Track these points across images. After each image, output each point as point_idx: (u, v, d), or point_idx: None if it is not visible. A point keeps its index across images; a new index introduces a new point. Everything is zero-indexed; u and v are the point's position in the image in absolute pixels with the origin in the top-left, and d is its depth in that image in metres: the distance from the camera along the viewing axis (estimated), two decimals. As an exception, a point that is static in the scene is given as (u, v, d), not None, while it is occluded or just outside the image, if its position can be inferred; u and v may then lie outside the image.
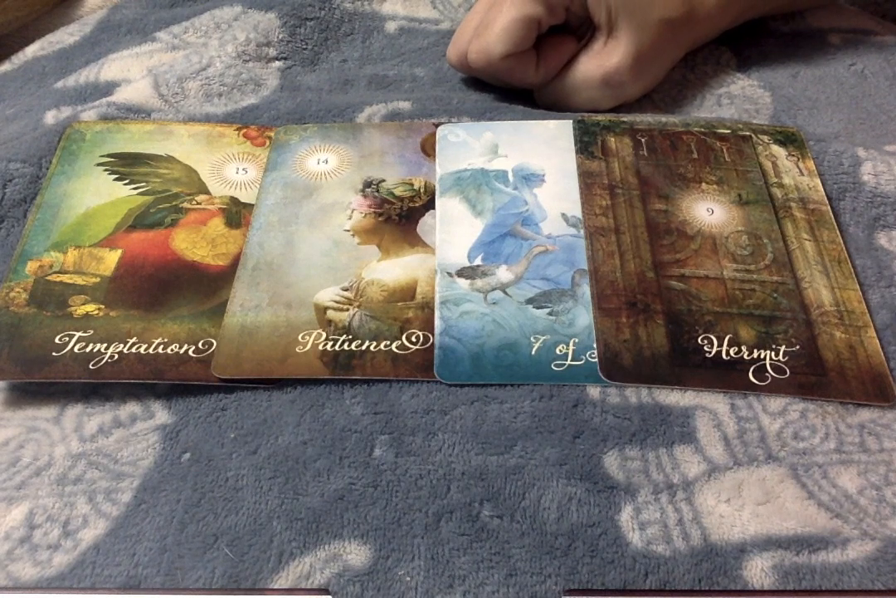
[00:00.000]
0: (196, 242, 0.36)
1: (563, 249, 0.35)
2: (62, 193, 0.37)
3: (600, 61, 0.41)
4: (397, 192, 0.38)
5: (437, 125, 0.40)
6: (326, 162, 0.39)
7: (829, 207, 0.36)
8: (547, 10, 0.40)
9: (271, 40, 0.46)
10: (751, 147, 0.39)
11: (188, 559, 0.27)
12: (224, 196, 0.38)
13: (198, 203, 0.37)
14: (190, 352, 0.32)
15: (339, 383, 0.31)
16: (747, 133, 0.40)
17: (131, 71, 0.45)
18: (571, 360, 0.31)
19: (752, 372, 0.31)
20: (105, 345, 0.31)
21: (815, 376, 0.31)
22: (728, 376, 0.31)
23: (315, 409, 0.30)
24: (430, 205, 0.37)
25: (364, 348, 0.32)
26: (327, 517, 0.27)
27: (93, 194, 0.37)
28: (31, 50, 0.48)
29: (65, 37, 0.49)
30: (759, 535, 0.27)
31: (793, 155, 0.39)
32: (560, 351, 0.31)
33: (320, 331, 0.32)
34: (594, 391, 0.31)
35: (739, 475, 0.29)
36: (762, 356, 0.31)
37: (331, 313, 0.33)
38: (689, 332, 0.32)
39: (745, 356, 0.31)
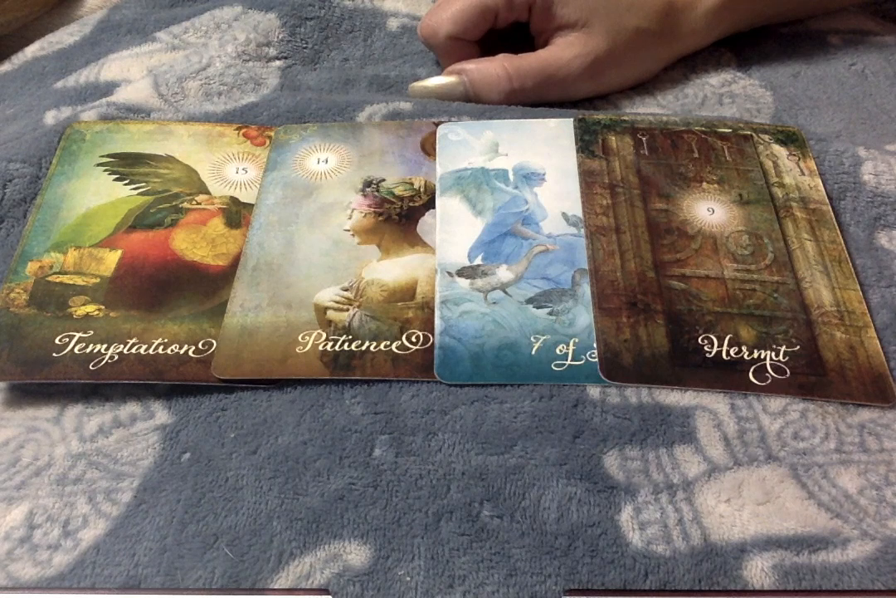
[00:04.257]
0: (196, 243, 0.36)
1: (563, 248, 0.35)
2: (62, 194, 0.37)
3: (557, 53, 0.41)
4: (397, 191, 0.38)
5: (437, 124, 0.40)
6: (326, 161, 0.39)
7: (829, 206, 0.36)
8: (506, 2, 0.41)
9: (271, 40, 0.46)
10: (752, 146, 0.39)
11: (188, 559, 0.27)
12: (224, 196, 0.38)
13: (198, 203, 0.37)
14: (190, 352, 0.32)
15: (339, 384, 0.31)
16: (748, 132, 0.40)
17: (131, 71, 0.45)
18: (571, 360, 0.31)
19: (753, 372, 0.31)
20: (105, 346, 0.31)
21: (815, 377, 0.31)
22: (728, 376, 0.31)
23: (315, 409, 0.30)
24: (430, 204, 0.37)
25: (364, 348, 0.32)
26: (327, 517, 0.27)
27: (93, 195, 0.37)
28: (31, 50, 0.48)
29: (65, 37, 0.49)
30: (759, 535, 0.27)
31: (794, 154, 0.39)
32: (560, 351, 0.31)
33: (320, 331, 0.32)
34: (594, 391, 0.31)
35: (739, 475, 0.29)
36: (762, 356, 0.31)
37: (331, 314, 0.33)
38: (690, 332, 0.32)
39: (746, 356, 0.31)
